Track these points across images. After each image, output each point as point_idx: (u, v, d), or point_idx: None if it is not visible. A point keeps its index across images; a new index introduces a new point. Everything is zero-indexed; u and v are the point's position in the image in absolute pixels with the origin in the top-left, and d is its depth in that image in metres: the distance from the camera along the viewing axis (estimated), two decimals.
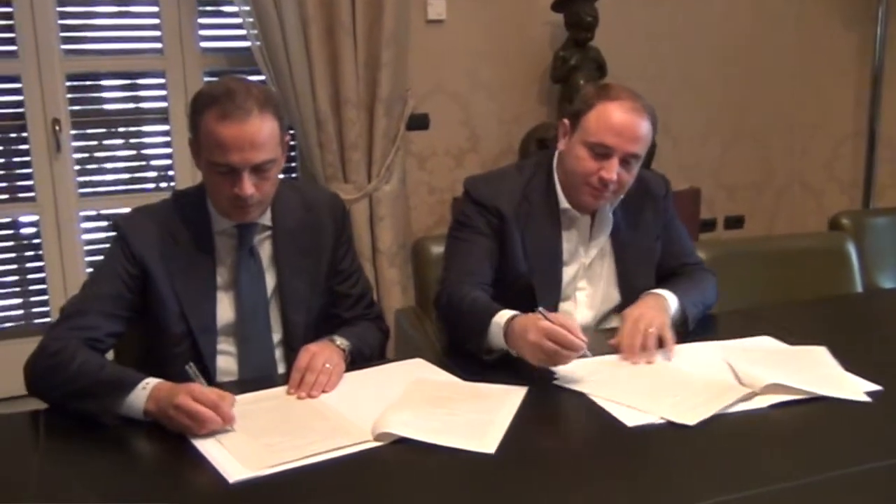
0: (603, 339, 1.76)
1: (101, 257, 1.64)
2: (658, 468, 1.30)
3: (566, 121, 1.86)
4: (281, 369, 1.71)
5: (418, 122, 3.48)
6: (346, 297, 1.80)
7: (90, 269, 3.19)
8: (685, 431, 1.41)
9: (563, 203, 1.88)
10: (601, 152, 1.78)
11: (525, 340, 1.52)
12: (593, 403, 1.52)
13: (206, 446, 1.33)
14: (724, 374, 1.62)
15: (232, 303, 1.64)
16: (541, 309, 1.53)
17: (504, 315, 1.61)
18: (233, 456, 1.28)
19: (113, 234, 1.66)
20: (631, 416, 1.45)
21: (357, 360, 1.67)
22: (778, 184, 4.31)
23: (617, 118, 1.76)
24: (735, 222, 4.27)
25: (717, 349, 1.74)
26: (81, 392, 1.41)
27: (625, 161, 1.79)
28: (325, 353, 1.57)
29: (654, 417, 1.45)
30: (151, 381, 1.40)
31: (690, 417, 1.43)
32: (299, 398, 1.50)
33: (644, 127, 1.78)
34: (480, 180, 1.93)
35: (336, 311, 1.79)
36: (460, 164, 3.65)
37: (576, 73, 3.49)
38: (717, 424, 1.44)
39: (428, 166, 3.60)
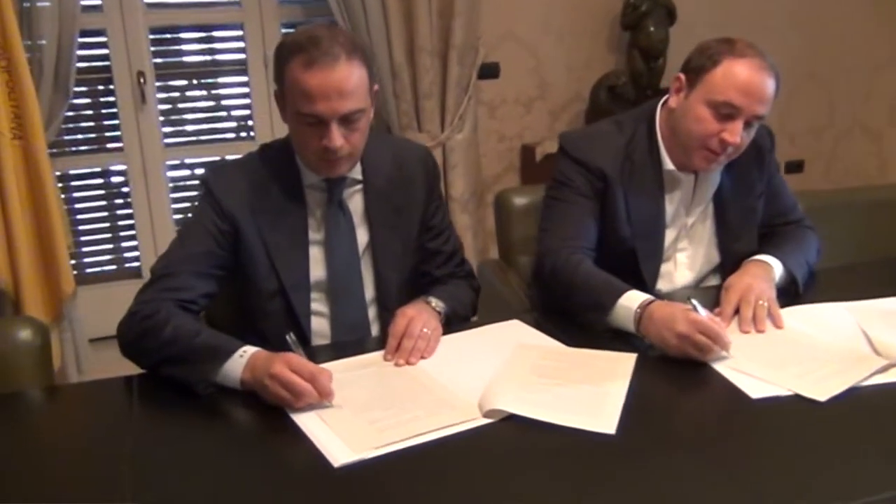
0: (708, 297, 1.56)
1: (189, 214, 1.55)
2: (793, 451, 1.09)
3: (682, 76, 1.62)
4: (374, 330, 1.58)
5: (489, 71, 3.26)
6: (437, 253, 1.64)
7: (176, 216, 3.19)
8: (816, 407, 1.20)
9: (668, 164, 1.66)
10: (726, 112, 1.55)
11: (671, 331, 1.34)
12: (711, 371, 1.32)
13: (306, 422, 1.16)
14: (855, 340, 1.40)
15: (324, 258, 1.52)
16: (694, 301, 1.37)
17: (634, 298, 1.44)
18: (337, 435, 1.12)
19: (201, 190, 1.51)
20: (755, 387, 1.25)
21: (452, 321, 1.53)
22: (839, 128, 3.99)
23: (746, 76, 1.52)
24: (796, 167, 3.98)
25: (845, 311, 1.51)
26: (175, 359, 1.28)
27: (748, 123, 1.56)
28: (422, 318, 1.43)
29: (780, 389, 1.24)
30: (249, 350, 1.27)
31: (820, 392, 1.22)
32: (397, 365, 1.35)
33: (771, 87, 1.55)
34: (579, 138, 1.72)
35: (426, 268, 1.64)
36: (529, 112, 3.42)
37: (646, 20, 3.24)
38: (852, 400, 1.21)
39: (498, 115, 3.38)
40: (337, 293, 1.54)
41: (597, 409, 1.18)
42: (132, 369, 1.37)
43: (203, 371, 1.25)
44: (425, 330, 1.40)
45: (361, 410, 1.19)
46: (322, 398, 1.19)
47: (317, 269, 1.52)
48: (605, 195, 1.66)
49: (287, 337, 1.29)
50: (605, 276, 1.53)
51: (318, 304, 1.54)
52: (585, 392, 1.23)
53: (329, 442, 1.10)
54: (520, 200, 2.05)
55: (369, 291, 1.57)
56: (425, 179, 1.61)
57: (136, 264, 3.21)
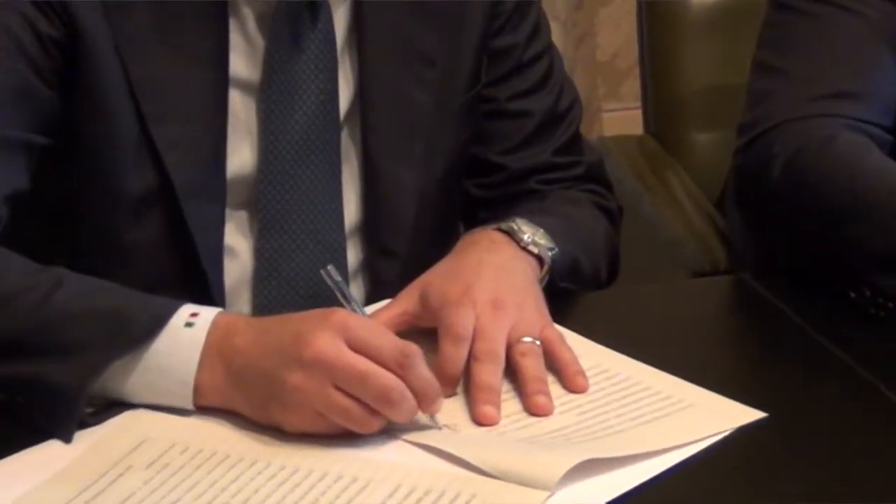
0: None
1: None
2: None
3: None
4: (356, 293, 1.49)
5: None
6: (521, 117, 1.58)
7: None
8: None
9: None
10: None
11: None
12: None
13: None
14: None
15: (259, 127, 1.49)
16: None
17: None
18: None
19: None
20: None
21: (568, 285, 1.47)
22: None
23: None
24: None
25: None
26: (16, 345, 1.19)
27: None
28: (511, 297, 1.31)
29: None
30: (205, 312, 1.20)
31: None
32: (481, 421, 1.23)
33: None
34: None
35: (492, 156, 1.59)
36: None
37: None
38: None
39: None
40: (274, 207, 1.51)
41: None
42: None
43: (89, 367, 1.15)
44: (526, 339, 1.26)
45: None
46: (426, 409, 1.16)
47: (241, 151, 1.46)
48: None
49: (323, 271, 1.25)
50: None
51: (239, 227, 1.49)
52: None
53: None
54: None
55: (351, 208, 1.50)
56: None
57: None
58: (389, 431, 1.16)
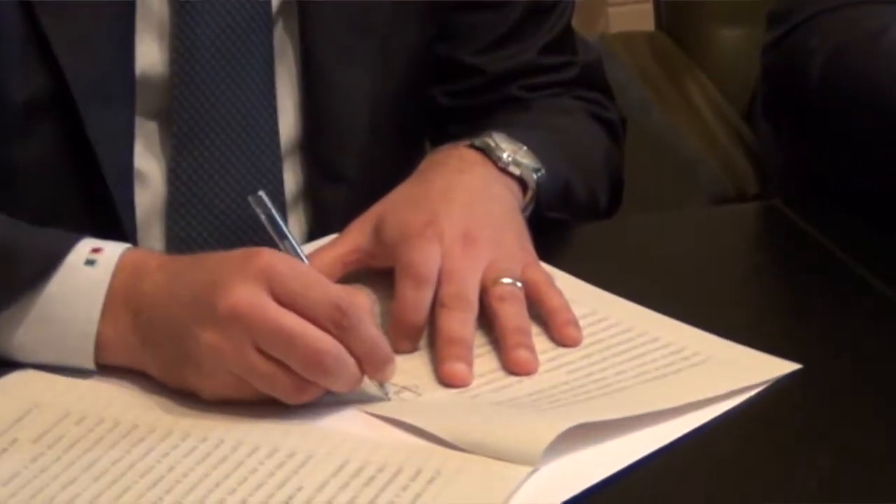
0: None
1: None
2: None
3: None
4: (295, 227, 1.48)
5: None
6: (499, 8, 1.53)
7: None
8: None
9: None
10: None
11: None
12: None
13: None
14: None
15: (173, 17, 1.42)
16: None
17: None
18: None
19: None
20: None
21: (559, 213, 1.42)
22: None
23: None
24: None
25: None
26: None
27: None
28: (486, 228, 1.28)
29: None
30: (109, 248, 1.15)
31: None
32: (444, 382, 1.19)
33: None
34: None
35: (464, 56, 1.53)
36: None
37: None
38: None
39: None
40: (195, 111, 1.44)
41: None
42: None
43: None
44: (506, 280, 1.22)
45: None
46: (372, 375, 1.11)
47: (150, 47, 1.40)
48: None
49: (252, 198, 1.21)
50: None
51: (149, 145, 1.42)
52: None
53: None
54: None
55: (288, 121, 1.44)
56: None
57: None
58: (336, 398, 1.09)
